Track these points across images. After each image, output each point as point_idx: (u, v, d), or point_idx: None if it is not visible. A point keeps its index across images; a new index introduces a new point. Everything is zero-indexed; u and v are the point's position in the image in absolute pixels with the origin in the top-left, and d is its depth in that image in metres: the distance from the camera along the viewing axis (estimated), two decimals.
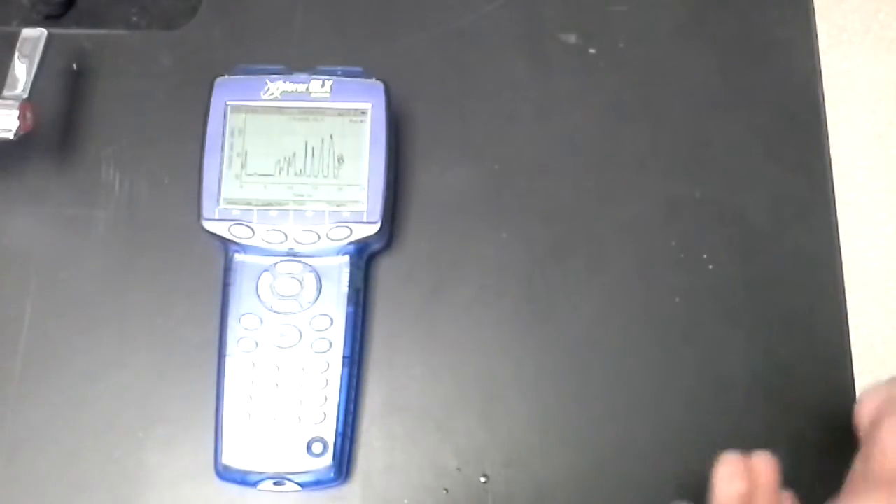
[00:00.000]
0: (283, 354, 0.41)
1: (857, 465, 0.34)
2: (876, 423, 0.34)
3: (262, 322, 0.41)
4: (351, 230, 0.41)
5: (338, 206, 0.41)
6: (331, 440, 0.40)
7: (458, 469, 0.42)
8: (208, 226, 0.41)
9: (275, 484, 0.40)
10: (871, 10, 1.39)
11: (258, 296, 0.41)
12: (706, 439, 0.43)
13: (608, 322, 0.45)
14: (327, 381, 0.41)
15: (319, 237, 0.41)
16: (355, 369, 0.42)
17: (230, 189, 0.41)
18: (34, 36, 0.44)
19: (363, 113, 0.42)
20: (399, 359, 0.44)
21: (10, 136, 0.42)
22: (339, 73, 0.43)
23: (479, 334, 0.45)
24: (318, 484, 0.40)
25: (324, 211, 0.41)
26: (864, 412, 0.35)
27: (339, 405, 0.40)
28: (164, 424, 0.43)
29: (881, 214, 1.29)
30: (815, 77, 0.50)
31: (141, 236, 0.46)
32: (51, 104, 0.48)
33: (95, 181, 0.47)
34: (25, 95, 0.43)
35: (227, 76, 0.43)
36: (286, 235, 0.41)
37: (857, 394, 0.43)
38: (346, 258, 0.42)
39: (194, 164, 0.41)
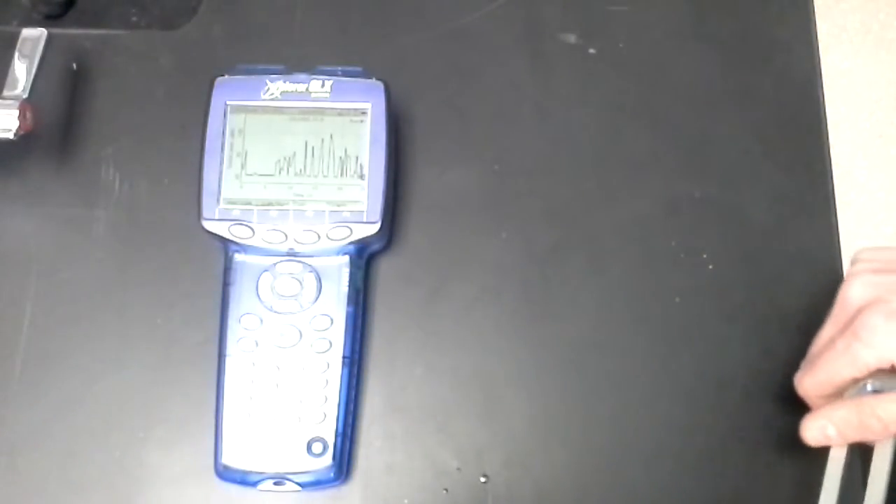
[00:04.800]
0: (283, 354, 0.41)
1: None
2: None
3: (262, 322, 0.41)
4: (351, 230, 0.41)
5: (338, 206, 0.41)
6: (331, 440, 0.40)
7: (458, 469, 0.42)
8: (208, 226, 0.41)
9: (275, 484, 0.40)
10: (871, 10, 1.39)
11: (258, 296, 0.41)
12: (706, 439, 0.43)
13: (608, 322, 0.45)
14: (327, 381, 0.41)
15: (319, 237, 0.41)
16: (355, 369, 0.42)
17: (230, 189, 0.41)
18: (34, 36, 0.44)
19: (363, 113, 0.42)
20: (399, 359, 0.44)
21: (10, 136, 0.42)
22: (339, 73, 0.43)
23: (479, 334, 0.45)
24: (318, 484, 0.40)
25: (324, 211, 0.41)
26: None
27: (339, 405, 0.40)
28: (164, 424, 0.43)
29: (881, 214, 1.29)
30: (815, 77, 0.50)
31: (141, 236, 0.46)
32: (51, 104, 0.48)
33: (95, 181, 0.47)
34: (25, 95, 0.43)
35: (227, 76, 0.43)
36: (286, 235, 0.41)
37: None
38: (346, 258, 0.42)
39: (194, 164, 0.41)
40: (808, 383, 0.38)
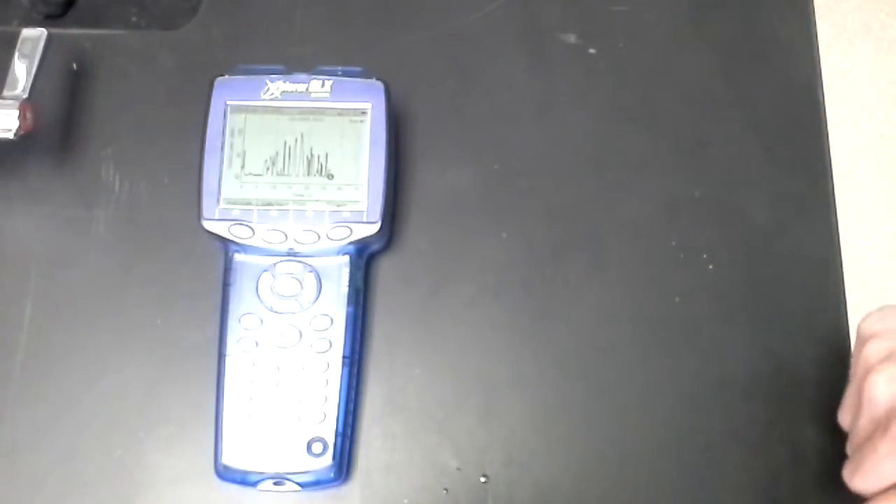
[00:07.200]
0: (283, 354, 0.41)
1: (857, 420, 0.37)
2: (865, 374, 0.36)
3: (262, 322, 0.41)
4: (351, 230, 0.41)
5: (338, 205, 0.41)
6: (331, 440, 0.40)
7: (458, 469, 0.42)
8: (208, 226, 0.41)
9: (275, 484, 0.40)
10: (871, 10, 1.39)
11: (258, 296, 0.41)
12: (706, 439, 0.43)
13: (608, 322, 0.45)
14: (327, 381, 0.41)
15: (319, 237, 0.41)
16: (355, 369, 0.42)
17: (230, 189, 0.41)
18: (34, 36, 0.44)
19: (363, 113, 0.42)
20: (399, 359, 0.44)
21: (10, 136, 0.42)
22: (339, 73, 0.43)
23: (479, 334, 0.45)
24: (318, 484, 0.40)
25: (324, 211, 0.41)
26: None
27: (339, 405, 0.41)
28: (164, 424, 0.43)
29: (881, 214, 1.29)
30: (815, 77, 0.50)
31: (141, 236, 0.46)
32: (51, 104, 0.48)
33: (95, 181, 0.47)
34: (25, 95, 0.43)
35: (227, 76, 0.43)
36: (286, 235, 0.41)
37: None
38: (346, 258, 0.42)
39: (194, 164, 0.41)
40: (859, 484, 0.37)
